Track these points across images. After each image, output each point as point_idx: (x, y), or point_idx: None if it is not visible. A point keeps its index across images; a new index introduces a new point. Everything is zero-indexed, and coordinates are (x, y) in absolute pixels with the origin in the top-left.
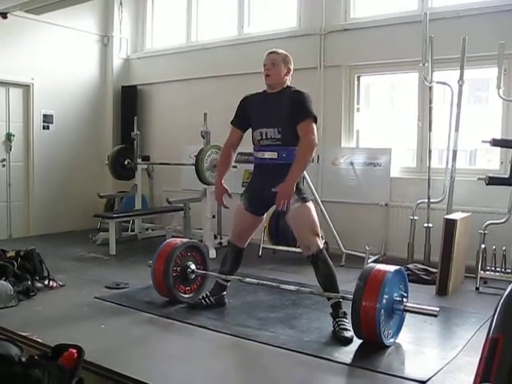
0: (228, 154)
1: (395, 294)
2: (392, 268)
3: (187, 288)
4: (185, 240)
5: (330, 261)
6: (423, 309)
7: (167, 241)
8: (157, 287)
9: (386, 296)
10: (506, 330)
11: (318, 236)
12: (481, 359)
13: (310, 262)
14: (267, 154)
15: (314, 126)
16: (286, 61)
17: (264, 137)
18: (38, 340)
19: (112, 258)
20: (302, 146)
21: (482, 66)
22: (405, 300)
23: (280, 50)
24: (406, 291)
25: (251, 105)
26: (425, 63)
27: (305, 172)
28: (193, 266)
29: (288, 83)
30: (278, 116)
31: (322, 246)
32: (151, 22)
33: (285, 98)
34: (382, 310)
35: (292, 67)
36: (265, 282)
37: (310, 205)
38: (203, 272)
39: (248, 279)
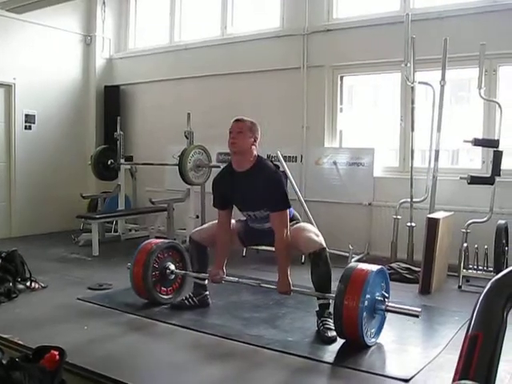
0: (223, 238)
1: (377, 294)
2: (374, 268)
3: (167, 289)
4: (162, 241)
5: (329, 263)
6: (405, 309)
7: (145, 242)
8: (136, 290)
9: (367, 296)
10: (485, 328)
11: (320, 236)
12: (460, 356)
13: (311, 260)
14: (263, 225)
15: (287, 214)
16: (252, 130)
17: (253, 217)
18: (20, 342)
19: (95, 258)
20: (279, 248)
21: (463, 67)
22: (386, 300)
23: (246, 118)
24: (388, 291)
25: (224, 188)
26: (407, 63)
27: (288, 172)
28: (172, 267)
29: (255, 153)
30: (258, 200)
31: (324, 245)
32: (134, 22)
33: (259, 182)
34: (364, 310)
35: (259, 136)
36: (244, 281)
37: (300, 226)
38: (182, 272)
39: (229, 278)
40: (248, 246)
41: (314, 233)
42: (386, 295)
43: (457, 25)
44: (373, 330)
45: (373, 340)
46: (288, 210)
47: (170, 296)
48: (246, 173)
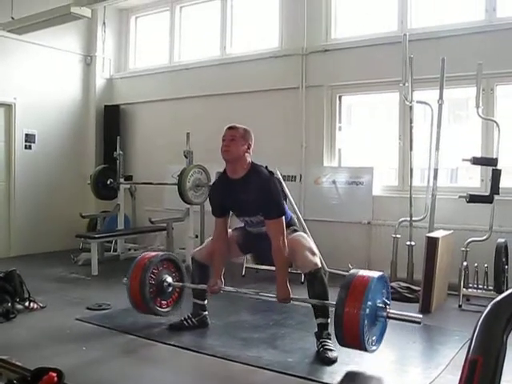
0: (220, 246)
1: (378, 301)
2: (375, 274)
3: (167, 301)
4: (156, 254)
5: (326, 282)
6: (406, 315)
7: (138, 258)
8: (135, 306)
9: (369, 303)
10: (485, 351)
11: (317, 255)
12: (460, 380)
13: (307, 280)
14: (260, 229)
15: (283, 220)
16: (245, 137)
17: (250, 222)
18: (17, 363)
19: (94, 278)
20: (276, 255)
21: (461, 86)
22: (388, 307)
23: (239, 126)
24: (389, 298)
25: (220, 196)
26: (405, 83)
27: (287, 191)
28: (169, 279)
29: (249, 160)
30: (253, 206)
31: (320, 265)
32: (134, 42)
33: (253, 189)
34: (366, 317)
35: (252, 143)
36: (243, 291)
37: (298, 235)
38: (180, 284)
39: (228, 288)
40: (247, 253)
41: (310, 251)
42: (388, 302)
43: (454, 44)
44: (374, 338)
45: (374, 348)
46: (283, 217)
47: (169, 308)
48: (240, 180)
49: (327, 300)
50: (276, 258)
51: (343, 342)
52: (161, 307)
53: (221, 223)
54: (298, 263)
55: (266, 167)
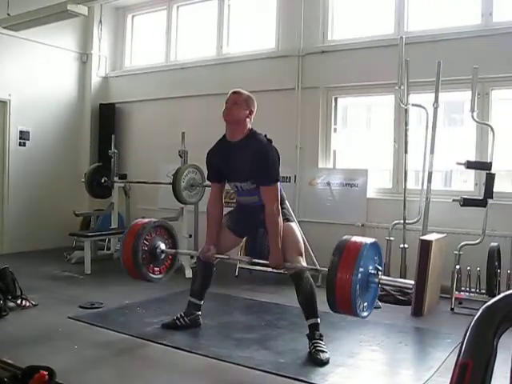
0: (215, 211)
1: (370, 267)
2: (368, 240)
3: (160, 268)
4: (150, 220)
5: (312, 282)
6: (398, 282)
7: (132, 224)
8: (127, 270)
9: (361, 269)
10: (475, 355)
11: (302, 256)
12: None
13: (292, 281)
14: (249, 199)
15: (278, 187)
16: (248, 103)
17: (240, 188)
18: (9, 361)
19: (87, 277)
20: (269, 220)
21: (456, 90)
22: (380, 273)
23: (243, 91)
24: (381, 264)
25: (216, 158)
26: (401, 86)
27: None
28: (162, 246)
29: (249, 126)
30: (246, 171)
31: (304, 267)
32: (130, 41)
33: (249, 152)
34: (358, 283)
35: (255, 109)
36: (236, 257)
37: (294, 225)
38: (173, 251)
39: (221, 256)
40: (241, 235)
41: (297, 251)
42: (380, 268)
43: (450, 48)
44: (365, 304)
45: (365, 314)
46: (278, 184)
47: (161, 275)
48: (238, 143)
49: (315, 300)
50: (269, 224)
51: (335, 308)
52: (153, 274)
53: (216, 189)
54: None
55: (265, 135)
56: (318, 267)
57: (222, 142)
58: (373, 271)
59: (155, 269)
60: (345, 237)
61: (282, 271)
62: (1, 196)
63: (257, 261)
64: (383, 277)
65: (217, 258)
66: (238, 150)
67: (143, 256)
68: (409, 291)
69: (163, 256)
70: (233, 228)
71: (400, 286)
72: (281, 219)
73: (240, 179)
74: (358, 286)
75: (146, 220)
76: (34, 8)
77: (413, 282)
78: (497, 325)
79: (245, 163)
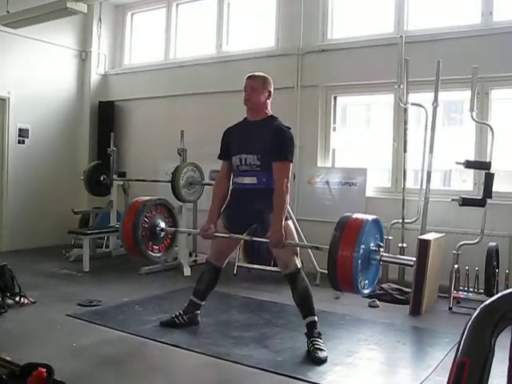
0: (221, 188)
1: (371, 244)
2: (369, 217)
3: (159, 247)
4: (150, 198)
5: (307, 281)
6: (400, 258)
7: (133, 201)
8: (126, 247)
9: (362, 246)
10: (473, 354)
11: (297, 255)
12: (448, 383)
13: (288, 281)
14: (247, 179)
15: (290, 167)
16: (265, 84)
17: (243, 162)
18: (7, 358)
19: (85, 274)
20: (277, 195)
21: (455, 89)
22: (381, 250)
23: (259, 74)
24: (382, 241)
25: (232, 134)
26: (400, 85)
27: None
28: (162, 224)
29: (269, 108)
30: (259, 143)
31: (300, 266)
32: (130, 39)
33: (267, 129)
34: (359, 260)
35: (272, 89)
36: (236, 236)
37: (290, 223)
38: (173, 229)
39: (220, 234)
40: (235, 230)
41: (292, 251)
42: (381, 245)
43: (450, 47)
44: (367, 281)
45: (366, 291)
46: (291, 165)
47: (161, 253)
48: (258, 121)
49: (311, 299)
50: (276, 199)
51: (336, 285)
52: (152, 252)
53: (225, 167)
54: (280, 263)
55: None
56: (317, 268)
57: (242, 122)
58: (374, 248)
59: (154, 247)
60: (346, 214)
61: (278, 269)
62: (0, 194)
63: (257, 239)
64: (384, 253)
65: (216, 236)
66: (256, 126)
67: (143, 233)
68: (407, 290)
69: (163, 234)
70: (228, 226)
71: (401, 263)
72: (288, 198)
73: (248, 151)
74: (359, 261)
75: (147, 198)
76: (33, 5)
77: (414, 259)
78: (494, 324)
79: (260, 137)
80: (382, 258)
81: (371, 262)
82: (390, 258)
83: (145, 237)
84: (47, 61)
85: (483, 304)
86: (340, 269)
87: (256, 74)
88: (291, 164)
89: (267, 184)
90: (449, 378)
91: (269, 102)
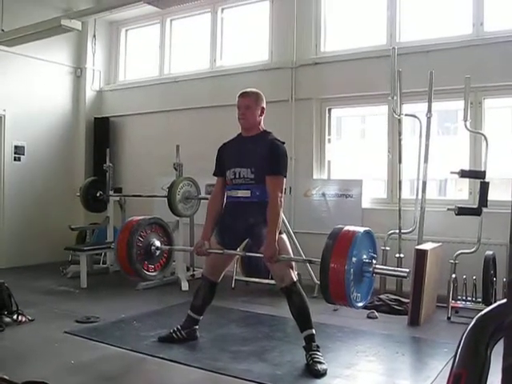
0: (215, 205)
1: (364, 256)
2: (361, 229)
3: (155, 266)
4: (144, 217)
5: (303, 293)
6: (392, 270)
7: (127, 221)
8: (121, 266)
9: (354, 258)
10: (469, 365)
11: (292, 268)
12: None
13: (284, 294)
14: (240, 193)
15: (283, 181)
16: (258, 101)
17: (237, 176)
18: (5, 377)
19: (83, 291)
20: (270, 209)
21: (449, 99)
22: (374, 262)
23: (251, 90)
24: (375, 253)
25: (227, 150)
26: (394, 96)
27: None
28: (157, 243)
29: (262, 123)
30: (253, 157)
31: (296, 279)
32: (124, 55)
33: (261, 144)
34: (352, 272)
35: (265, 105)
36: (230, 252)
37: (284, 237)
38: (168, 247)
39: (214, 250)
40: (229, 245)
41: (288, 264)
42: (375, 256)
43: (442, 58)
44: (359, 294)
45: (360, 304)
46: (284, 180)
47: (156, 273)
48: (252, 136)
49: (308, 312)
50: (269, 212)
51: (329, 299)
52: (148, 271)
53: (219, 183)
54: (275, 277)
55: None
56: (315, 280)
57: (236, 138)
58: (367, 260)
59: (150, 266)
60: (338, 226)
61: (275, 283)
62: None
63: (250, 254)
64: (377, 265)
65: (210, 252)
66: (251, 142)
67: (138, 252)
68: (405, 301)
69: (158, 253)
70: (221, 242)
71: (394, 275)
72: (281, 212)
73: (242, 164)
74: (351, 274)
75: (141, 217)
76: (27, 23)
77: (407, 270)
78: (490, 335)
79: (254, 151)
80: (375, 270)
81: (364, 274)
82: (383, 269)
83: (140, 256)
84: (42, 78)
85: (478, 315)
86: (332, 282)
87: (248, 90)
88: (284, 178)
89: (261, 197)
90: None
91: (262, 118)
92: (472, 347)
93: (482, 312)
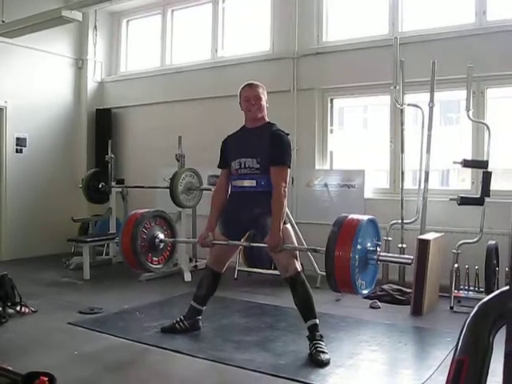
0: (220, 196)
1: (369, 244)
2: (365, 217)
3: (159, 258)
4: (148, 210)
5: (307, 284)
6: (397, 257)
7: (130, 213)
8: (125, 259)
9: (359, 246)
10: (471, 352)
11: (297, 258)
12: (447, 381)
13: (288, 285)
14: (246, 182)
15: (288, 172)
16: (265, 93)
17: (243, 166)
18: (9, 368)
19: (86, 282)
20: (275, 200)
21: (451, 89)
22: (378, 249)
23: (255, 83)
24: (379, 241)
25: (231, 141)
26: (396, 86)
27: None
28: (161, 236)
29: (266, 115)
30: (257, 147)
31: (300, 269)
32: (125, 46)
33: (265, 134)
34: (356, 260)
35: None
36: (235, 243)
37: (288, 227)
38: (171, 240)
39: (219, 242)
40: (233, 236)
41: (292, 255)
42: (379, 244)
43: (444, 47)
44: (364, 282)
45: (365, 291)
46: (288, 170)
47: (160, 265)
48: (257, 128)
49: (312, 302)
50: (274, 203)
51: (334, 286)
52: (152, 263)
53: (224, 175)
54: (279, 267)
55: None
56: (318, 271)
57: (240, 130)
58: (371, 248)
59: (154, 259)
60: (342, 214)
61: (278, 273)
62: None
63: (254, 244)
64: (382, 253)
65: (214, 243)
66: (256, 133)
67: (142, 244)
68: (408, 291)
69: (162, 246)
70: (225, 233)
71: (399, 262)
72: (286, 202)
73: (247, 155)
74: (356, 261)
75: (145, 210)
76: (28, 15)
77: (411, 257)
78: (492, 322)
79: (259, 142)
80: (380, 258)
81: (369, 261)
82: (388, 257)
83: (144, 248)
84: (43, 69)
85: (481, 302)
86: (337, 270)
87: (253, 82)
88: (289, 169)
89: (266, 187)
90: (448, 377)
91: (266, 108)
92: (474, 334)
93: (484, 299)
